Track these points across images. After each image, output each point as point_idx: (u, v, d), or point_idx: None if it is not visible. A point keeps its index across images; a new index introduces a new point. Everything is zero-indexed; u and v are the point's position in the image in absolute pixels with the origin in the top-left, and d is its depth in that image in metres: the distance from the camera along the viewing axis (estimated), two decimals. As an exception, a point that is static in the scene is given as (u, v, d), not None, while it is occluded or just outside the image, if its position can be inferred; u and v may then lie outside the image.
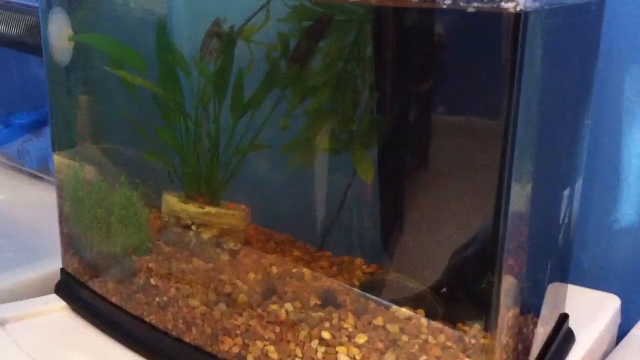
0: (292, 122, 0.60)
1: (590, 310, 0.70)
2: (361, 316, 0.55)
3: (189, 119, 0.65)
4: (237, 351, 0.59)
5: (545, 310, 0.63)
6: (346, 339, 0.54)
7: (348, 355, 0.53)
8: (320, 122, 0.59)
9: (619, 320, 0.72)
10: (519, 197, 0.50)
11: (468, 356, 0.51)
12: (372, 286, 0.61)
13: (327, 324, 0.55)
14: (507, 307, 0.51)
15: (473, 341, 0.53)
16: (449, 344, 0.53)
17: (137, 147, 0.70)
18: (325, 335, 0.54)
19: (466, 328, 0.54)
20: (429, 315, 0.55)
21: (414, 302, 0.56)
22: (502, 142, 0.46)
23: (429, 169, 0.55)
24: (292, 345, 0.55)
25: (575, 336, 0.67)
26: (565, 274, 0.68)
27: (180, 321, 0.63)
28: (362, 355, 0.52)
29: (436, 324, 0.54)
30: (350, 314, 0.55)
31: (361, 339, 0.53)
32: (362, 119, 0.57)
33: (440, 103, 0.52)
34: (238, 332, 0.58)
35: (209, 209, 0.66)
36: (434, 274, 0.56)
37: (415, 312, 0.55)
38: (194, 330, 0.62)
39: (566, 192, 0.63)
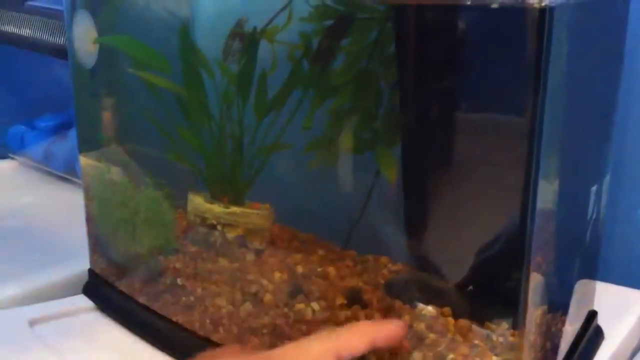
0: (315, 122, 0.60)
1: (618, 307, 0.69)
2: (387, 315, 0.55)
3: (212, 120, 0.65)
4: (263, 350, 0.59)
5: (573, 308, 0.62)
6: (373, 338, 0.53)
7: (375, 354, 0.53)
8: (342, 121, 0.58)
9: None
10: (546, 193, 0.50)
11: (496, 354, 0.51)
12: (397, 285, 0.61)
13: (353, 323, 0.55)
14: (534, 305, 0.51)
15: (501, 339, 0.53)
16: (476, 342, 0.53)
17: (162, 148, 0.70)
18: (352, 335, 0.54)
19: (493, 326, 0.53)
20: (456, 314, 0.55)
21: (440, 300, 0.56)
22: (528, 139, 0.46)
23: (453, 167, 0.54)
24: (318, 345, 0.55)
25: (605, 333, 0.66)
26: (594, 271, 0.68)
27: (207, 321, 0.64)
28: (390, 355, 0.52)
29: (463, 322, 0.54)
30: (376, 313, 0.55)
31: (388, 337, 0.53)
32: (385, 117, 0.57)
33: (464, 101, 0.51)
34: (264, 331, 0.59)
35: (233, 208, 0.66)
36: (461, 272, 0.56)
37: (442, 311, 0.55)
38: (221, 329, 0.62)
39: (594, 188, 0.62)
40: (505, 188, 0.49)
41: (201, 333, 0.64)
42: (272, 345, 0.59)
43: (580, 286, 0.63)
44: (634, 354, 0.69)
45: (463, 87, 0.50)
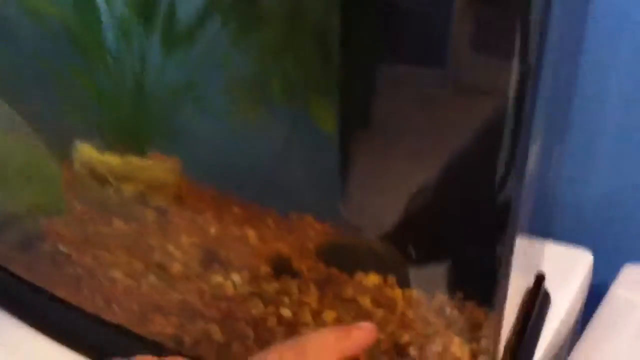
0: (234, 60, 0.49)
1: (564, 268, 0.63)
2: (325, 287, 0.45)
3: (107, 54, 0.52)
4: (171, 332, 0.48)
5: (522, 271, 0.55)
6: (310, 316, 0.44)
7: None
8: (269, 60, 0.48)
9: (591, 277, 0.66)
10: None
11: (457, 333, 0.42)
12: (331, 250, 0.51)
13: (285, 299, 0.44)
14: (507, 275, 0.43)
15: (455, 313, 0.44)
16: (430, 318, 0.44)
17: (44, 87, 0.57)
18: (285, 312, 0.44)
19: (442, 297, 0.45)
20: (401, 283, 0.46)
21: (382, 268, 0.47)
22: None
23: (400, 119, 0.46)
24: (241, 325, 0.45)
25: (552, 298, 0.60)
26: (542, 230, 0.61)
27: (99, 296, 0.51)
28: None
29: (412, 293, 0.45)
30: (312, 285, 0.45)
31: (329, 316, 0.43)
32: (323, 58, 0.47)
33: (416, 41, 0.42)
34: (173, 309, 0.47)
35: (132, 160, 0.54)
36: (402, 233, 0.47)
37: (386, 279, 0.46)
38: (115, 307, 0.51)
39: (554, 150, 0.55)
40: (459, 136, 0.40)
41: (91, 311, 0.52)
42: (182, 327, 0.48)
43: (530, 246, 0.56)
44: (578, 315, 0.63)
45: (411, 25, 0.41)
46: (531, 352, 0.54)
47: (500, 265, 0.41)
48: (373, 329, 0.38)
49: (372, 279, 0.46)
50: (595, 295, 0.66)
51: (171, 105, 0.54)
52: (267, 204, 0.55)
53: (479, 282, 0.43)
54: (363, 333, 0.38)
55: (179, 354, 0.47)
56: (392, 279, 0.46)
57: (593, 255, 0.66)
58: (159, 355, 0.37)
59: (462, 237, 0.43)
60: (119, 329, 0.50)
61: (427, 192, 0.48)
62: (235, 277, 0.47)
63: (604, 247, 0.67)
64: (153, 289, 0.48)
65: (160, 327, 0.48)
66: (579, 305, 0.64)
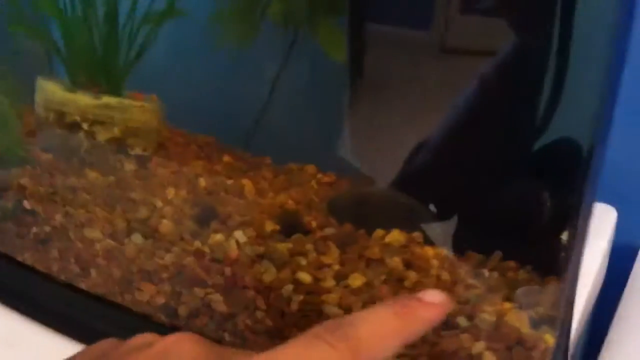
0: None
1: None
2: (346, 247, 0.38)
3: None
4: (162, 302, 0.40)
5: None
6: (334, 281, 0.36)
7: (340, 305, 0.36)
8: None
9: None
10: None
11: (509, 299, 0.36)
12: (342, 205, 0.44)
13: (302, 261, 0.37)
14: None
15: (494, 275, 0.38)
16: (470, 281, 0.37)
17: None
18: (304, 277, 0.36)
19: (475, 256, 0.38)
20: (429, 242, 0.39)
21: (403, 225, 0.40)
22: None
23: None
24: (250, 294, 0.37)
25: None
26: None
27: (72, 261, 0.43)
28: (363, 305, 0.35)
29: (445, 253, 0.38)
30: (332, 245, 0.38)
31: (357, 280, 0.36)
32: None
33: None
34: (164, 275, 0.40)
35: (107, 99, 0.46)
36: (422, 181, 0.41)
37: (411, 237, 0.39)
38: (93, 273, 0.43)
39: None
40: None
41: (62, 278, 0.44)
42: (176, 296, 0.40)
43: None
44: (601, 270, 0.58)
45: None
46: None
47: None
48: (445, 302, 0.31)
49: (396, 237, 0.39)
50: (618, 253, 0.61)
51: (150, 33, 0.45)
52: (263, 152, 0.48)
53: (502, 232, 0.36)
54: (431, 311, 0.30)
55: (173, 327, 0.40)
56: (418, 236, 0.39)
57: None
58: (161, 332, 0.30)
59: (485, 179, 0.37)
60: (98, 299, 0.42)
61: (453, 133, 0.41)
62: (239, 235, 0.39)
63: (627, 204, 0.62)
64: (139, 251, 0.40)
65: (149, 297, 0.40)
66: (605, 264, 0.58)
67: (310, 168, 0.47)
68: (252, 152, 0.48)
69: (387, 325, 0.28)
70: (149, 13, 0.45)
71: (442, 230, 0.41)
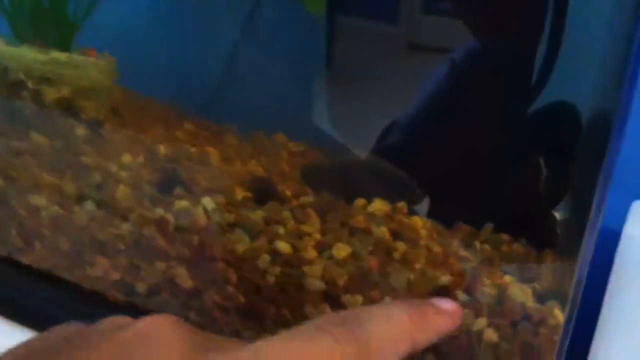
0: None
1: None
2: (327, 215, 0.34)
3: None
4: (118, 277, 0.35)
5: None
6: (316, 252, 0.32)
7: (324, 279, 0.31)
8: None
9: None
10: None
11: (506, 272, 0.32)
12: (319, 172, 0.40)
13: (279, 229, 0.33)
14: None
15: (487, 248, 0.34)
16: (463, 253, 0.34)
17: None
18: (282, 246, 0.32)
19: (465, 228, 0.35)
20: (412, 213, 0.36)
21: (388, 194, 0.36)
22: None
23: None
24: (221, 266, 0.33)
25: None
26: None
27: (14, 232, 0.38)
28: (349, 278, 0.31)
29: (433, 224, 0.35)
30: (312, 212, 0.34)
31: (342, 250, 0.32)
32: None
33: None
34: (121, 246, 0.35)
35: (56, 54, 0.41)
36: (401, 148, 0.38)
37: (396, 207, 0.35)
38: (37, 245, 0.37)
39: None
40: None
41: (3, 253, 0.39)
42: (135, 270, 0.35)
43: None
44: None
45: None
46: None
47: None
48: (459, 312, 0.28)
49: (379, 206, 0.35)
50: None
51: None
52: (230, 120, 0.44)
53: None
54: (446, 320, 0.27)
55: (130, 306, 0.35)
56: (403, 206, 0.36)
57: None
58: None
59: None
60: (43, 275, 0.37)
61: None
62: (207, 202, 0.35)
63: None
64: (91, 220, 0.35)
65: (103, 272, 0.35)
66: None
67: (280, 137, 0.43)
68: (216, 119, 0.45)
69: (399, 328, 0.26)
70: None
71: (429, 200, 0.38)
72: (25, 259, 0.38)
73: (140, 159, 0.39)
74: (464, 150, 0.37)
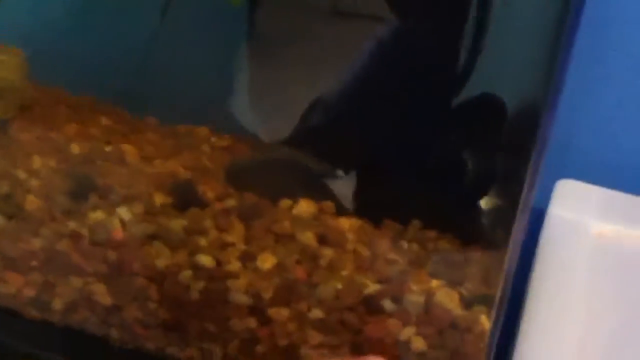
0: None
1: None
2: (250, 221, 0.33)
3: None
4: (32, 294, 0.34)
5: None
6: (239, 263, 0.31)
7: (249, 292, 0.31)
8: None
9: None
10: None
11: (436, 276, 0.32)
12: (239, 171, 0.39)
13: (201, 240, 0.32)
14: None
15: (414, 247, 0.34)
16: (391, 256, 0.33)
17: None
18: (204, 260, 0.31)
19: (392, 225, 0.35)
20: (342, 212, 0.35)
21: (311, 193, 0.36)
22: None
23: None
24: (142, 281, 0.32)
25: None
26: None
27: None
28: (275, 291, 0.31)
29: (360, 223, 0.35)
30: (234, 220, 0.33)
31: (267, 261, 0.31)
32: None
33: None
34: (34, 262, 0.33)
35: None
36: (328, 145, 0.37)
37: (321, 207, 0.35)
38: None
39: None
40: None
41: None
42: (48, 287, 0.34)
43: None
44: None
45: None
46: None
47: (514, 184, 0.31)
48: None
49: (305, 207, 0.34)
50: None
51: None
52: (146, 113, 0.42)
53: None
54: None
55: (46, 323, 0.34)
56: (329, 206, 0.35)
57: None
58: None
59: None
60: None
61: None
62: (123, 212, 0.33)
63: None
64: (3, 235, 0.34)
65: (16, 289, 0.34)
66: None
67: (203, 130, 0.42)
68: (133, 111, 0.43)
69: None
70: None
71: (353, 197, 0.37)
72: None
73: (52, 161, 0.37)
74: (386, 135, 0.37)
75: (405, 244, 0.34)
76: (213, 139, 0.42)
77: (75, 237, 0.32)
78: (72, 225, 0.33)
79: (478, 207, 0.36)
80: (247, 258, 0.32)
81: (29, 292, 0.34)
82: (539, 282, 0.44)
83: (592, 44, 0.52)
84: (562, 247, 0.49)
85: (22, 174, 0.36)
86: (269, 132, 0.39)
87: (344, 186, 0.37)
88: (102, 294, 0.32)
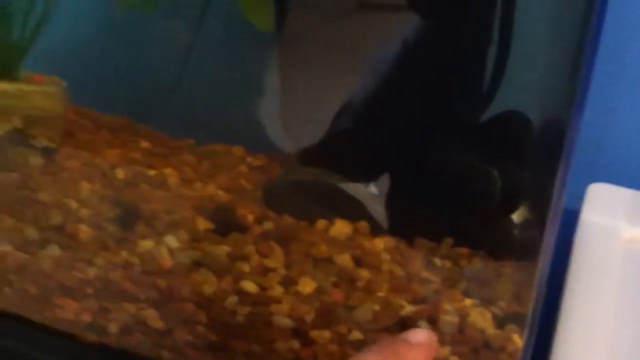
0: None
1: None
2: (289, 244, 0.35)
3: None
4: (89, 320, 0.36)
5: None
6: (281, 288, 0.33)
7: (291, 316, 0.33)
8: None
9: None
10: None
11: (468, 294, 0.34)
12: (275, 192, 0.41)
13: (244, 267, 0.34)
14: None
15: (447, 265, 0.36)
16: (425, 274, 0.35)
17: None
18: (248, 286, 0.33)
19: (425, 243, 0.37)
20: (376, 231, 0.37)
21: (346, 213, 0.37)
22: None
23: None
24: (190, 307, 0.34)
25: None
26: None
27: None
28: (316, 314, 0.33)
29: (394, 242, 0.36)
30: (274, 245, 0.35)
31: (307, 285, 0.33)
32: None
33: None
34: (89, 290, 0.36)
35: (4, 86, 0.41)
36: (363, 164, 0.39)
37: (356, 227, 0.36)
38: (7, 290, 0.38)
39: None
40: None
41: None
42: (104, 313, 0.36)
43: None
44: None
45: None
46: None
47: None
48: (431, 340, 0.29)
49: (341, 228, 0.36)
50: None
51: (46, 8, 0.40)
52: (183, 134, 0.44)
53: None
54: (420, 352, 0.28)
55: (103, 346, 0.36)
56: (364, 226, 0.37)
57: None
58: None
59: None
60: (15, 318, 0.38)
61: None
62: (170, 240, 0.35)
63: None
64: (56, 265, 0.36)
65: (73, 315, 0.36)
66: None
67: (238, 150, 0.44)
68: (169, 131, 0.45)
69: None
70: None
71: (387, 214, 0.39)
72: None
73: (98, 187, 0.39)
74: (416, 153, 0.38)
75: (438, 262, 0.36)
76: (249, 159, 0.44)
77: (126, 266, 0.35)
78: (123, 255, 0.35)
79: (507, 223, 0.38)
80: (289, 283, 0.34)
81: (86, 317, 0.36)
82: (571, 290, 0.46)
83: (624, 46, 0.53)
84: (595, 253, 0.50)
85: (72, 203, 0.38)
86: (300, 143, 0.41)
87: (376, 204, 0.39)
88: (153, 319, 0.35)
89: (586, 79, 0.35)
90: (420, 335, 0.30)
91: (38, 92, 0.41)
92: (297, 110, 0.42)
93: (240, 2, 0.40)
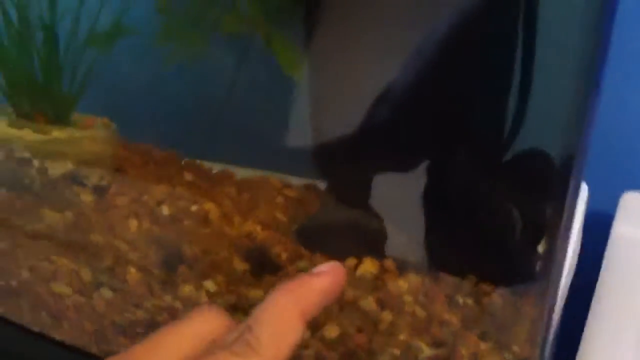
0: None
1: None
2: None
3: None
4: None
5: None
6: (308, 332, 0.37)
7: (317, 361, 0.36)
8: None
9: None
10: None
11: (484, 337, 0.36)
12: (311, 230, 0.44)
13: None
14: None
15: (469, 302, 0.38)
16: (446, 316, 0.38)
17: None
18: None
19: (449, 279, 0.39)
20: (402, 269, 0.40)
21: (374, 249, 0.40)
22: None
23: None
24: None
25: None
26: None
27: (44, 313, 0.43)
28: (340, 358, 0.36)
29: (418, 280, 0.39)
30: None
31: (332, 331, 0.36)
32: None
33: None
34: (139, 330, 0.40)
35: (57, 133, 0.45)
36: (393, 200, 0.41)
37: (383, 265, 0.39)
38: (65, 324, 0.43)
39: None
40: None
41: (37, 329, 0.44)
42: None
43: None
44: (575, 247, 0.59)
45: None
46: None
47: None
48: (337, 268, 0.30)
49: (368, 267, 0.39)
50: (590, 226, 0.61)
51: (94, 58, 0.44)
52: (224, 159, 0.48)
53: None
54: (326, 278, 0.29)
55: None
56: (390, 265, 0.39)
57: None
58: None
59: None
60: (74, 350, 0.42)
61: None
62: (209, 285, 0.39)
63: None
64: (109, 306, 0.40)
65: (125, 348, 0.40)
66: (579, 241, 0.59)
67: (275, 181, 0.47)
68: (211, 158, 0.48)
69: (287, 309, 0.28)
70: (92, 34, 0.43)
71: (412, 252, 0.42)
72: (56, 335, 0.43)
73: (146, 224, 0.43)
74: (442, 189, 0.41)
75: (460, 299, 0.38)
76: (285, 190, 0.47)
77: (170, 311, 0.39)
78: (167, 300, 0.39)
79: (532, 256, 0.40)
80: (315, 327, 0.37)
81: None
82: (600, 304, 0.47)
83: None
84: (626, 262, 0.52)
85: (122, 245, 0.42)
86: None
87: (405, 245, 0.41)
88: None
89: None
90: (326, 265, 0.30)
91: (87, 138, 0.45)
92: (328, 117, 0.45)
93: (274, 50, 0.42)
